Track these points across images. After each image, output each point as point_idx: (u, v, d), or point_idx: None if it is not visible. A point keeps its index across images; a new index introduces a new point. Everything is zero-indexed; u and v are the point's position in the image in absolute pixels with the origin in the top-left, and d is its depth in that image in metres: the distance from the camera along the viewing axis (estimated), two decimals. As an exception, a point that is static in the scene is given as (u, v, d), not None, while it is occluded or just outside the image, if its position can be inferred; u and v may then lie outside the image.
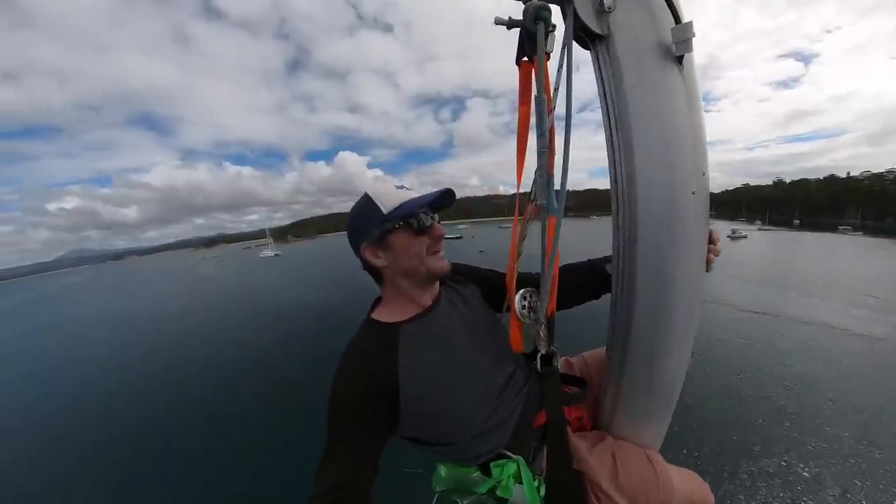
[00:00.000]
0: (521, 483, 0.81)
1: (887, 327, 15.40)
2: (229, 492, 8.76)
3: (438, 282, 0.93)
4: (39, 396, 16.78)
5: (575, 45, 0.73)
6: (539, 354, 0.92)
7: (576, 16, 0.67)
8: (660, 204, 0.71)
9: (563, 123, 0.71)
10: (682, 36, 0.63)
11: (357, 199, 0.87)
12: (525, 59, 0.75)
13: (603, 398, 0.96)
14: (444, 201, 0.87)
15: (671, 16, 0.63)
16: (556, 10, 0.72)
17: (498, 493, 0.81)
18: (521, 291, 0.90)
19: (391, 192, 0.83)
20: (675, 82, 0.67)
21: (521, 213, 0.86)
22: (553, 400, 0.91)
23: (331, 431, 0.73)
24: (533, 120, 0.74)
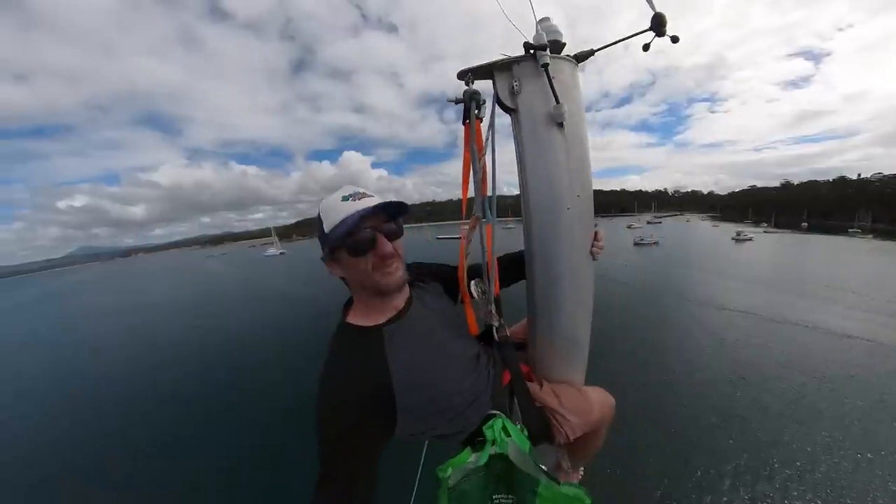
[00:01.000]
0: (509, 436, 0.90)
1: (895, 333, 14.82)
2: (229, 481, 9.13)
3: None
4: (46, 389, 17.17)
5: (503, 112, 1.10)
6: (494, 328, 1.18)
7: (497, 95, 1.05)
8: (545, 214, 1.08)
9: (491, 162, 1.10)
10: (558, 111, 0.98)
11: None
12: (468, 121, 1.12)
13: (531, 355, 1.30)
14: (390, 208, 0.85)
15: (553, 97, 0.99)
16: (490, 86, 1.09)
17: (496, 450, 0.86)
18: (472, 281, 1.18)
19: (335, 205, 0.82)
20: (557, 139, 1.03)
21: (468, 226, 1.19)
22: (512, 360, 1.15)
23: (325, 447, 0.72)
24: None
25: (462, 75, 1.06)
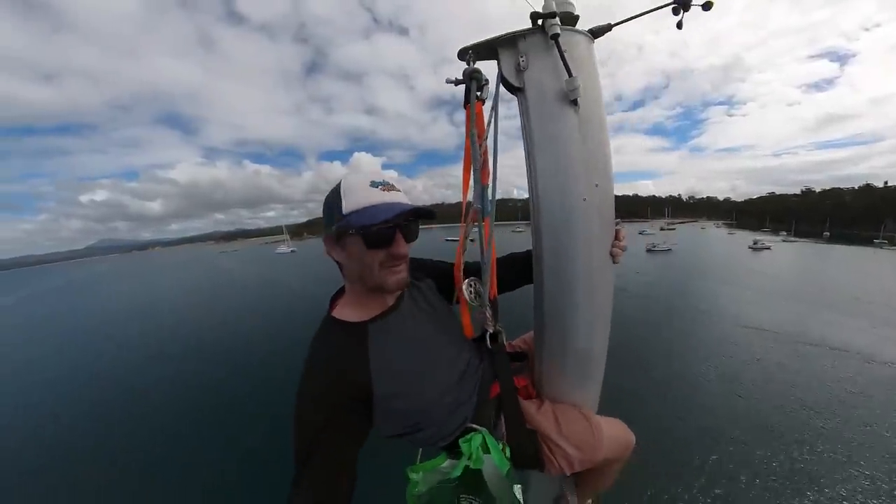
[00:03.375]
0: (488, 452, 0.86)
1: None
2: (238, 472, 9.20)
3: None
4: (68, 374, 18.09)
5: (507, 93, 0.99)
6: (488, 334, 1.05)
7: (501, 73, 0.93)
8: (556, 208, 0.93)
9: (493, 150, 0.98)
10: (571, 86, 0.85)
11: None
12: (468, 104, 1.00)
13: (535, 369, 1.15)
14: (416, 216, 0.82)
15: (565, 71, 0.86)
16: (494, 66, 0.97)
17: (471, 465, 0.83)
18: (466, 280, 1.04)
19: (362, 188, 0.78)
20: (570, 119, 0.89)
21: (465, 219, 1.06)
22: (504, 371, 1.03)
23: (301, 445, 0.69)
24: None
25: (462, 54, 0.94)
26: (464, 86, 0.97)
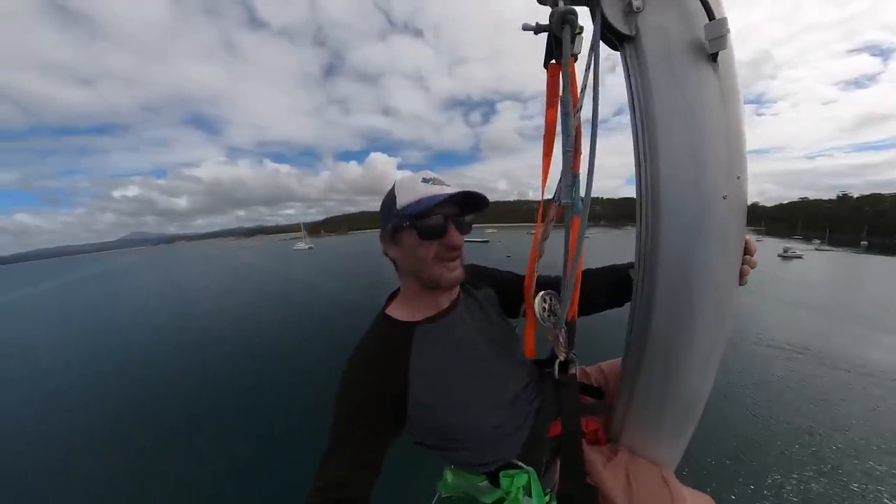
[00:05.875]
0: (530, 496, 0.78)
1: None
2: (253, 466, 9.26)
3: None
4: (104, 354, 19.87)
5: (606, 46, 0.74)
6: (557, 361, 0.89)
7: (603, 17, 0.68)
8: (685, 208, 0.68)
9: (591, 125, 0.72)
10: (716, 33, 0.61)
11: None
12: (553, 62, 0.76)
13: (617, 410, 0.92)
14: (468, 202, 0.78)
15: (704, 12, 0.62)
16: (584, 12, 0.73)
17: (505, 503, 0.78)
18: (541, 293, 0.87)
19: (415, 185, 0.77)
20: (709, 81, 0.65)
21: (545, 215, 0.85)
22: (570, 409, 0.88)
23: (335, 428, 0.72)
24: (559, 122, 0.74)
25: None
26: (546, 36, 0.73)
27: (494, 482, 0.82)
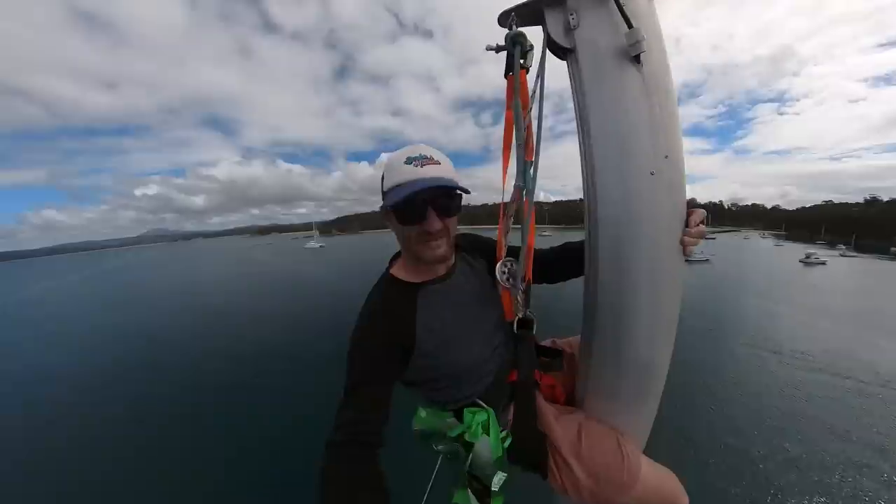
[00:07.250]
0: (488, 434, 0.88)
1: None
2: (262, 457, 9.58)
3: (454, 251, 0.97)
4: (122, 336, 22.28)
5: (556, 58, 0.90)
6: (515, 318, 1.00)
7: (548, 35, 0.85)
8: (616, 186, 0.81)
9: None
10: (633, 39, 0.75)
11: None
12: (511, 73, 0.92)
13: (578, 378, 1.03)
14: (442, 193, 0.82)
15: (624, 24, 0.76)
16: (538, 31, 0.89)
17: (466, 437, 0.88)
18: (502, 260, 1.00)
19: (397, 166, 0.82)
20: (632, 79, 0.79)
21: (506, 211, 0.98)
22: (525, 360, 0.99)
23: (350, 375, 0.80)
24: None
25: (503, 18, 0.87)
26: (505, 53, 0.90)
27: (460, 418, 0.94)
